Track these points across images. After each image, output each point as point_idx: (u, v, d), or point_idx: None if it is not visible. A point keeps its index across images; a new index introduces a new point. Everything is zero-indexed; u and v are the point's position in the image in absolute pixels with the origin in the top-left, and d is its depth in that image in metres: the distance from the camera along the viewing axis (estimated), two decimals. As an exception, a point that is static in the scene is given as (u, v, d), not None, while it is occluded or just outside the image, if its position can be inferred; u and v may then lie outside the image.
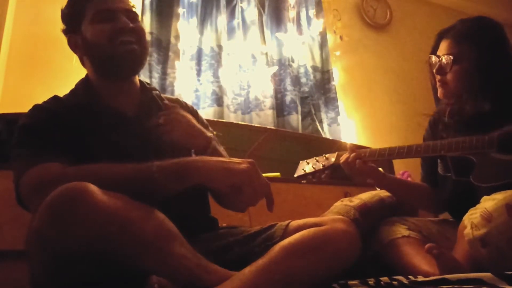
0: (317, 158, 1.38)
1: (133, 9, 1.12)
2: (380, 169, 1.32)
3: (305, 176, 1.36)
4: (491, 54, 1.25)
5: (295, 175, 1.39)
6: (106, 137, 1.01)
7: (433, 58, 1.33)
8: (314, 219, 0.99)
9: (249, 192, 0.86)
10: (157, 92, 1.20)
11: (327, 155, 1.37)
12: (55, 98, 1.07)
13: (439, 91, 1.33)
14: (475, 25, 1.30)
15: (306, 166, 1.38)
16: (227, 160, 0.89)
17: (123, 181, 0.84)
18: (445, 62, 1.28)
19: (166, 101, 1.19)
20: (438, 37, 1.36)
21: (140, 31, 1.09)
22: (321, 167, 1.34)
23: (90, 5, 1.07)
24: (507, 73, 1.24)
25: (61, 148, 0.94)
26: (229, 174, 0.86)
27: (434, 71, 1.33)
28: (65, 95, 1.10)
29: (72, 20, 1.10)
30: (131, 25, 1.06)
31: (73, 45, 1.11)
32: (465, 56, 1.26)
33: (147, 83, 1.19)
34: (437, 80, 1.33)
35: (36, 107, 1.03)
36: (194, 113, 1.24)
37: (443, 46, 1.31)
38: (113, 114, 1.06)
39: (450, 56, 1.27)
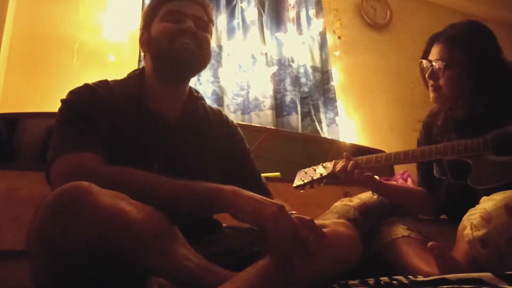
0: (314, 167, 1.39)
1: (205, 18, 1.12)
2: (376, 176, 1.33)
3: (303, 186, 1.37)
4: (482, 58, 1.26)
5: (294, 186, 1.39)
6: (140, 137, 1.01)
7: (424, 63, 1.34)
8: (316, 222, 0.99)
9: (273, 235, 0.78)
10: (203, 102, 1.19)
11: (324, 164, 1.38)
12: (105, 82, 1.07)
13: (432, 96, 1.34)
14: (466, 30, 1.31)
15: (304, 176, 1.38)
16: (258, 198, 0.84)
17: (153, 196, 0.85)
18: (437, 67, 1.30)
19: (209, 113, 1.18)
20: (430, 42, 1.37)
21: (202, 39, 1.09)
22: (318, 176, 1.35)
23: (164, 5, 1.09)
24: (498, 76, 1.25)
25: (100, 136, 0.94)
26: (256, 213, 0.82)
27: (426, 76, 1.34)
28: (115, 82, 1.09)
29: (147, 17, 1.12)
30: (195, 29, 1.06)
31: (141, 41, 1.13)
32: (457, 61, 1.27)
33: (196, 91, 1.18)
34: (429, 85, 1.34)
35: (87, 86, 1.03)
36: (234, 129, 1.23)
37: (435, 51, 1.32)
38: (154, 118, 1.05)
39: (443, 62, 1.28)
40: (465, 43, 1.28)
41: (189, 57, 1.06)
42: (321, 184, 1.36)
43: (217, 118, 1.21)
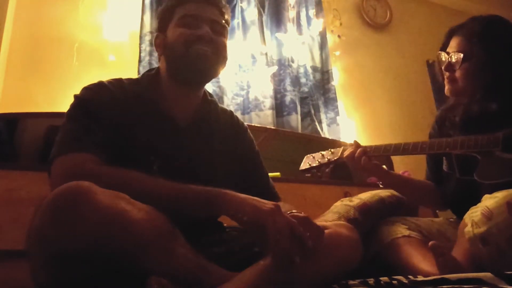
0: (322, 153, 1.38)
1: (222, 22, 1.11)
2: (384, 166, 1.32)
3: (310, 169, 1.36)
4: (501, 53, 1.24)
5: (300, 169, 1.39)
6: (150, 138, 1.01)
7: (443, 55, 1.32)
8: (317, 223, 0.98)
9: (272, 232, 0.80)
10: (216, 105, 1.18)
11: (332, 150, 1.37)
12: (119, 81, 1.07)
13: (447, 88, 1.33)
14: (487, 24, 1.29)
15: (312, 160, 1.38)
16: (254, 198, 0.87)
17: (151, 197, 0.85)
18: (454, 60, 1.28)
19: (221, 115, 1.17)
20: (449, 34, 1.35)
21: (219, 44, 1.08)
22: (326, 161, 1.34)
23: (180, 8, 1.08)
24: None
25: (105, 136, 0.94)
26: (255, 211, 0.83)
27: (443, 68, 1.32)
28: (129, 81, 1.09)
29: (162, 20, 1.11)
30: (211, 35, 1.06)
31: (156, 43, 1.12)
32: (475, 55, 1.25)
33: (210, 94, 1.18)
34: (445, 77, 1.32)
35: (99, 84, 1.03)
36: (243, 131, 1.22)
37: (454, 43, 1.30)
38: (165, 120, 1.05)
39: (460, 54, 1.26)
40: (485, 37, 1.26)
41: (206, 64, 1.06)
42: (327, 169, 1.36)
43: (228, 120, 1.20)
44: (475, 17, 1.33)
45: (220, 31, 1.10)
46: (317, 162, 1.36)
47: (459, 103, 1.30)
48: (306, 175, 1.38)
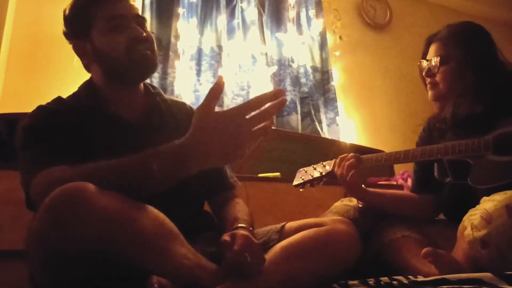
0: (314, 166, 1.38)
1: (139, 12, 1.12)
2: (363, 185, 1.31)
3: (303, 184, 1.36)
4: (477, 54, 1.27)
5: (293, 184, 1.38)
6: (106, 143, 1.00)
7: (424, 63, 1.37)
8: (314, 220, 0.99)
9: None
10: (162, 96, 1.18)
11: (324, 163, 1.37)
12: (59, 99, 1.07)
13: (430, 94, 1.36)
14: (461, 28, 1.34)
15: (304, 174, 1.38)
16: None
17: (122, 173, 0.84)
18: (433, 64, 1.32)
19: (171, 106, 1.16)
20: (427, 43, 1.40)
21: (151, 39, 1.09)
22: (318, 175, 1.34)
23: (100, 11, 1.04)
24: (496, 74, 1.25)
25: (64, 150, 0.93)
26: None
27: (424, 74, 1.36)
28: (68, 97, 1.09)
29: (78, 26, 1.06)
30: (144, 34, 1.06)
31: (80, 52, 1.08)
32: (452, 57, 1.29)
33: (152, 87, 1.18)
34: (427, 82, 1.36)
35: (39, 108, 1.03)
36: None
37: (432, 50, 1.35)
38: (114, 120, 1.05)
39: (438, 58, 1.30)
40: (460, 39, 1.30)
41: (148, 65, 1.07)
42: (321, 183, 1.35)
43: (181, 110, 1.19)
44: (450, 24, 1.38)
45: (144, 23, 1.11)
46: (309, 176, 1.35)
47: (444, 109, 1.31)
48: (300, 189, 1.37)
